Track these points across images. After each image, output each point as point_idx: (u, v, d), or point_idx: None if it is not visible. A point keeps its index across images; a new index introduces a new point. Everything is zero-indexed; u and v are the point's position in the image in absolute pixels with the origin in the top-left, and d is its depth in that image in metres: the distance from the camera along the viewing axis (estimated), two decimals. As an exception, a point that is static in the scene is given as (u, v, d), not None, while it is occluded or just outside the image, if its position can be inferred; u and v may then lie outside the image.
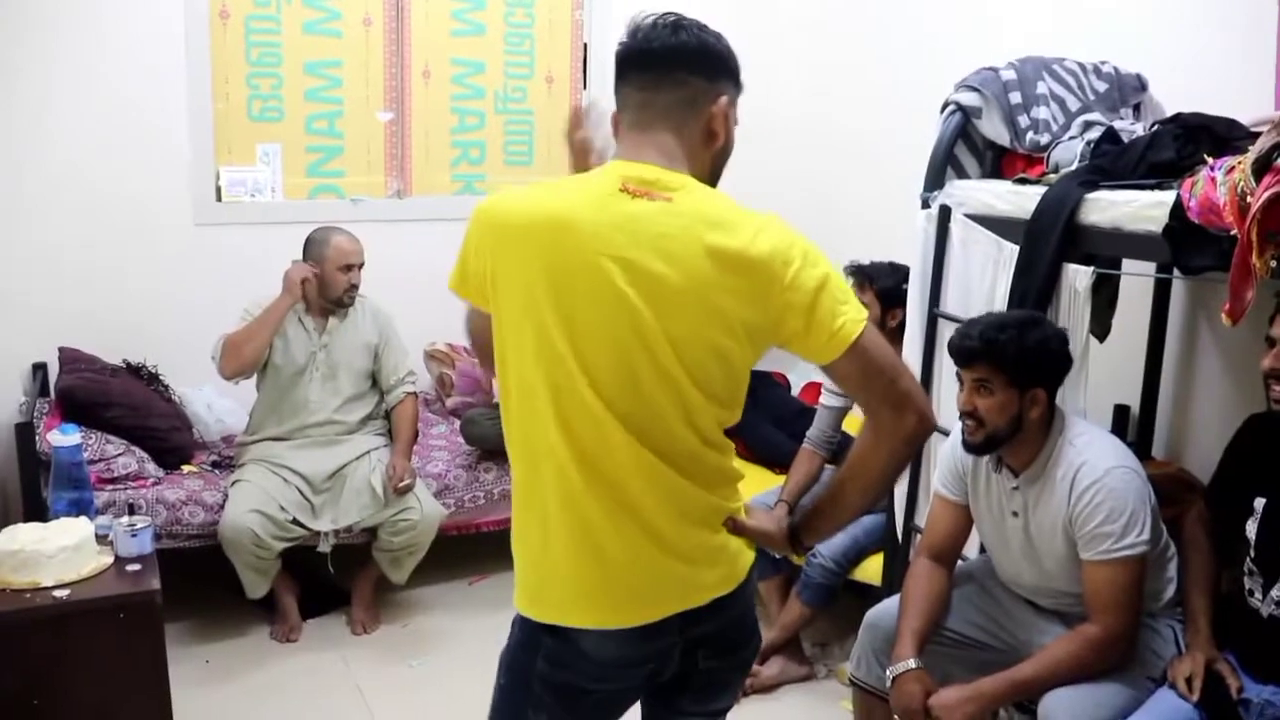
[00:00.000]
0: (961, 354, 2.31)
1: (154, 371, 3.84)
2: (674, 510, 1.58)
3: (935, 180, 2.82)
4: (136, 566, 2.57)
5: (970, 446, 2.36)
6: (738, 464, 1.70)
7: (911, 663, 2.32)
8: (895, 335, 3.14)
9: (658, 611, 1.60)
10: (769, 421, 4.03)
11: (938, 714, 2.25)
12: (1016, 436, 2.31)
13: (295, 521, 3.42)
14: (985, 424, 2.30)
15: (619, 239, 1.50)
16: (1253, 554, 2.20)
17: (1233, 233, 1.91)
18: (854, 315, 1.56)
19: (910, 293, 2.90)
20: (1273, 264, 1.87)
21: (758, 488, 3.58)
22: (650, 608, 1.60)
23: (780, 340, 1.58)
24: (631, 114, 1.62)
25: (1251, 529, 2.20)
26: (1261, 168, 1.86)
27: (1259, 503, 2.20)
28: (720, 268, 1.50)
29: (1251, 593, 2.20)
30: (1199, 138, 2.34)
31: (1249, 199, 1.85)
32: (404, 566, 3.58)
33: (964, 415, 2.33)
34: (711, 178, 1.66)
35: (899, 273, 3.19)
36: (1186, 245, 2.10)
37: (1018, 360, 2.25)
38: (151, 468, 3.50)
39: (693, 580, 1.62)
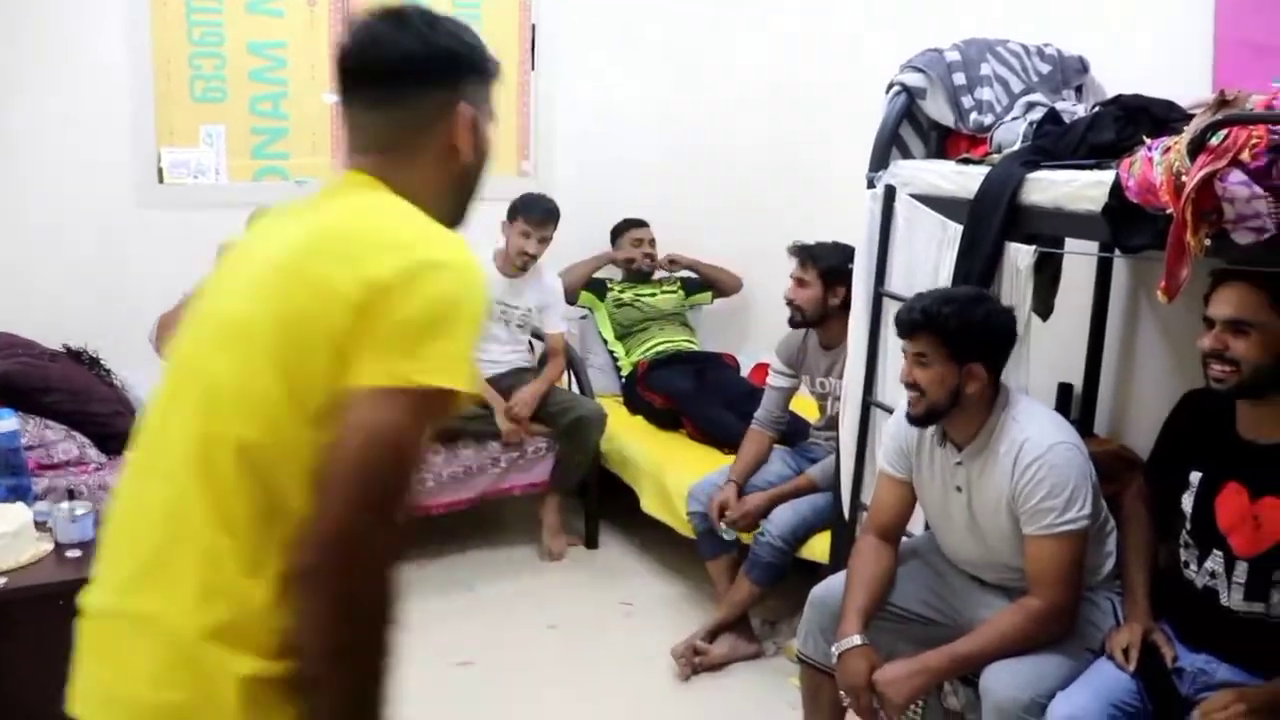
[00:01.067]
0: (903, 326, 2.35)
1: (95, 356, 3.77)
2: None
3: (880, 160, 2.84)
4: (77, 553, 2.54)
5: (912, 419, 2.39)
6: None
7: (856, 639, 2.34)
8: (839, 312, 3.18)
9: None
10: (718, 402, 4.06)
11: (882, 689, 2.28)
12: (956, 410, 2.33)
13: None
14: (925, 395, 2.33)
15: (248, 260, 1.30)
16: (1188, 527, 2.24)
17: (1169, 211, 1.94)
18: (434, 369, 1.14)
19: (856, 272, 2.91)
20: (1207, 242, 1.90)
21: (707, 467, 3.60)
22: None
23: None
24: (353, 136, 1.34)
25: (1187, 502, 2.24)
26: (1196, 148, 1.88)
27: (1194, 476, 2.24)
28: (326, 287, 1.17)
29: (1187, 564, 2.24)
30: (1138, 119, 2.37)
31: (1184, 178, 1.88)
32: (352, 550, 3.55)
33: (906, 387, 2.36)
34: (459, 198, 1.39)
35: (841, 252, 3.22)
36: (1125, 224, 2.13)
37: (958, 334, 2.28)
38: (93, 453, 3.44)
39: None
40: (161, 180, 4.08)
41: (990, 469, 2.33)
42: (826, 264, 3.27)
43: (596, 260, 4.62)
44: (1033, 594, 2.27)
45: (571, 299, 4.45)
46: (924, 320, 2.30)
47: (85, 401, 3.56)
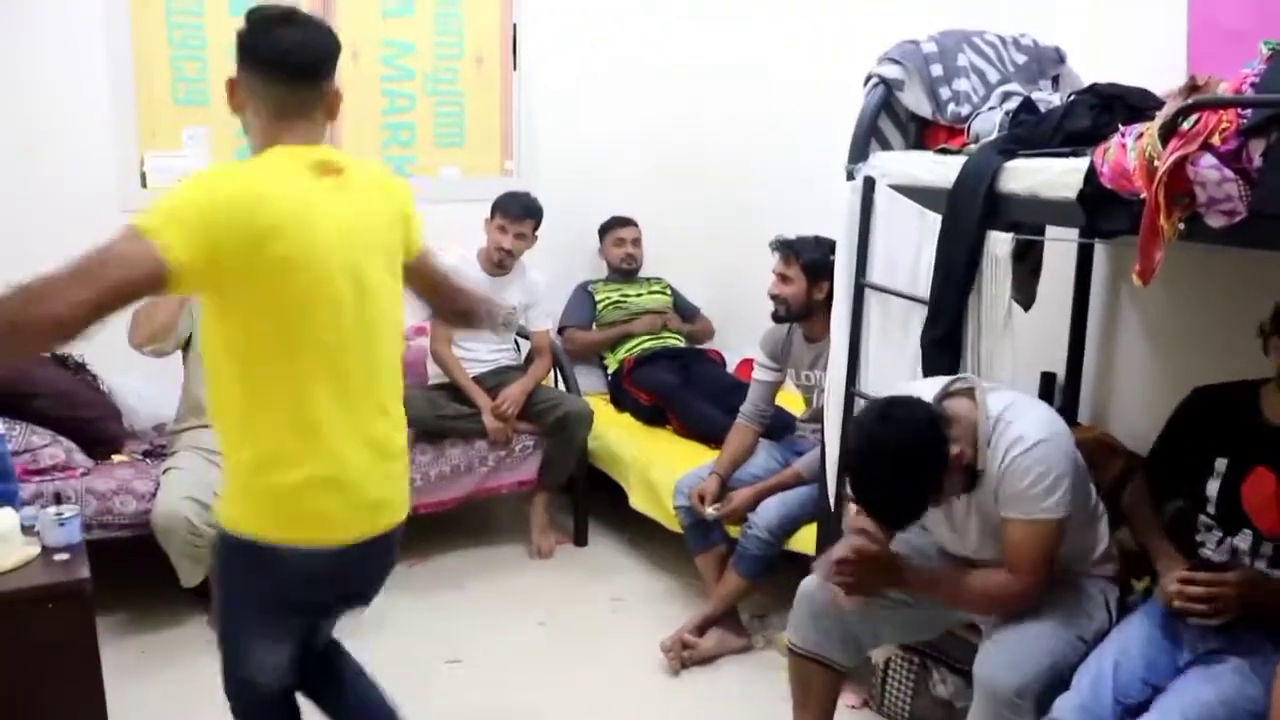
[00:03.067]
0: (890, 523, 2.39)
1: (81, 361, 3.77)
2: None
3: (860, 152, 2.85)
4: (65, 556, 2.53)
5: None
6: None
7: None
8: (823, 306, 3.19)
9: None
10: (703, 397, 4.07)
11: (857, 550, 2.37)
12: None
13: (229, 508, 3.38)
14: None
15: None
16: (1213, 510, 2.29)
17: (1142, 196, 1.95)
18: None
19: (837, 264, 2.92)
20: (1180, 226, 1.92)
21: (693, 462, 3.62)
22: None
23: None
24: (277, 105, 1.90)
25: (1213, 487, 2.29)
26: (1167, 133, 1.90)
27: (1220, 463, 2.28)
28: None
29: (1204, 544, 2.29)
30: (1114, 107, 2.39)
31: (1156, 163, 1.90)
32: (341, 550, 3.56)
33: None
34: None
35: (823, 246, 3.23)
36: (1100, 210, 2.14)
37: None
38: (80, 458, 3.44)
39: None
40: (145, 184, 4.08)
41: (989, 481, 2.29)
42: (809, 258, 3.28)
43: (609, 334, 4.56)
44: (1007, 569, 2.30)
45: (596, 360, 4.56)
46: (897, 509, 2.29)
47: (72, 406, 3.56)
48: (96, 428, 3.61)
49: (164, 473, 3.41)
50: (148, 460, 3.63)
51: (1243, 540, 2.23)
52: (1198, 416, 2.39)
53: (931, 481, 2.21)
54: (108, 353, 3.72)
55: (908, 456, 2.17)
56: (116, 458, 3.61)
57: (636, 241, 4.67)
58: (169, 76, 4.08)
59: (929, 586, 2.39)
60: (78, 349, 3.79)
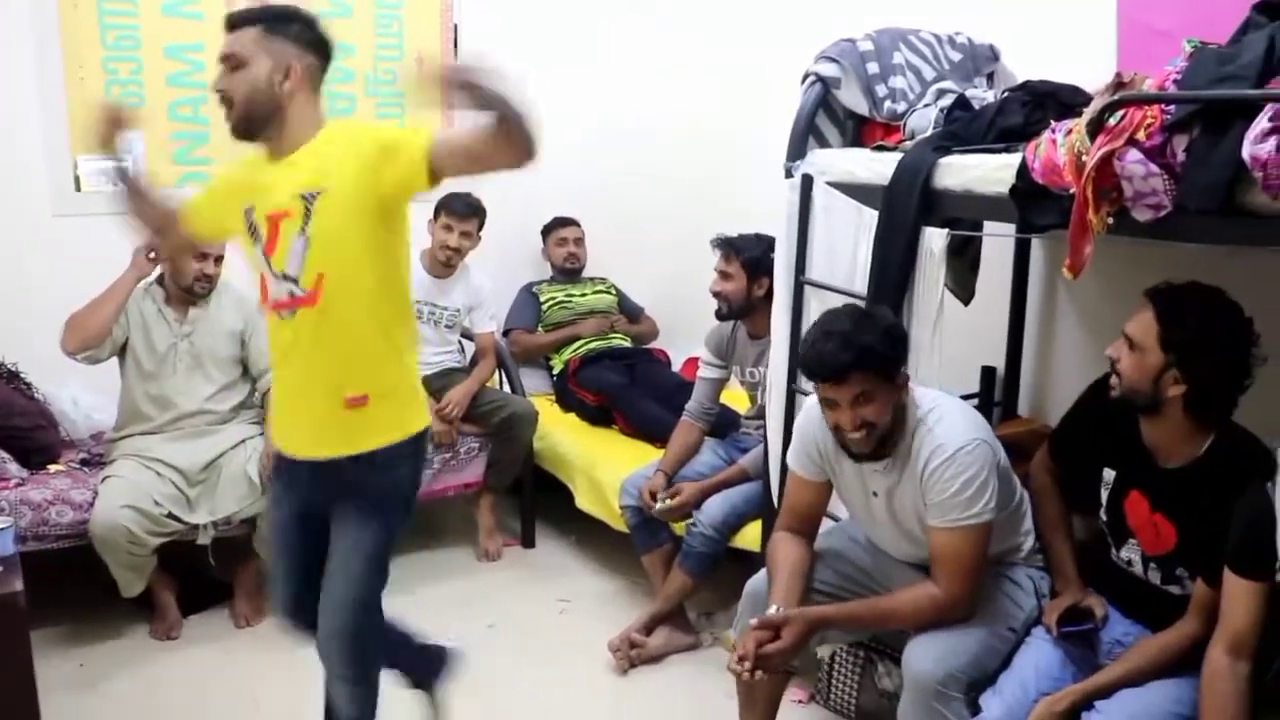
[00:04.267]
0: (830, 370, 2.20)
1: (14, 369, 3.70)
2: None
3: (798, 150, 2.87)
4: (-2, 568, 2.49)
5: (861, 456, 2.31)
6: None
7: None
8: (764, 303, 3.20)
9: None
10: (649, 397, 4.08)
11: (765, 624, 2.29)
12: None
13: (171, 515, 3.33)
14: (876, 426, 2.25)
15: None
16: (1105, 518, 2.32)
17: (1072, 191, 1.98)
18: None
19: (777, 261, 2.94)
20: (1109, 220, 1.95)
21: (639, 462, 3.62)
22: None
23: None
24: (318, 86, 2.35)
25: (1104, 495, 2.31)
26: (1095, 128, 1.93)
27: (1108, 474, 2.30)
28: None
29: (1114, 547, 2.32)
30: (1045, 104, 2.43)
31: (1085, 158, 1.93)
32: (285, 557, 3.52)
33: (852, 429, 2.25)
34: None
35: (763, 243, 3.25)
36: (1031, 205, 2.17)
37: (885, 356, 2.21)
38: (14, 468, 3.37)
39: None
40: (79, 189, 4.02)
41: (908, 478, 2.31)
42: (749, 255, 3.30)
43: (555, 336, 4.52)
44: (934, 581, 2.29)
45: (541, 361, 4.53)
46: (854, 358, 2.17)
47: (5, 416, 3.49)
48: (32, 437, 3.55)
49: (102, 481, 3.35)
50: (85, 469, 3.57)
51: (1131, 552, 2.26)
52: (1096, 410, 2.35)
53: (889, 361, 2.21)
54: (42, 360, 3.68)
55: (877, 325, 2.23)
56: (53, 467, 3.54)
57: (579, 241, 4.67)
58: (102, 78, 4.01)
59: (852, 621, 2.38)
60: (11, 356, 3.72)
